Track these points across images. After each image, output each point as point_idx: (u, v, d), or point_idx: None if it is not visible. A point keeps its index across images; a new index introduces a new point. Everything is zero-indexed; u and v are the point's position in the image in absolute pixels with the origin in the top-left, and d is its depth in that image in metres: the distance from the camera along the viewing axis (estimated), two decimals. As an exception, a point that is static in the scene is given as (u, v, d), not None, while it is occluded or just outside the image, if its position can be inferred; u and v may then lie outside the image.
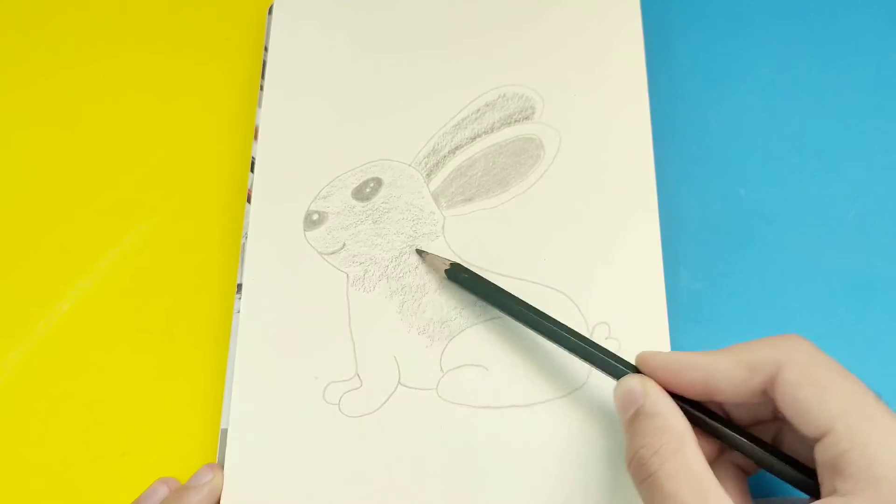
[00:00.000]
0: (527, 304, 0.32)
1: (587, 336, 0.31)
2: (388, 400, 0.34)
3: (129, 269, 0.40)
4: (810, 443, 0.25)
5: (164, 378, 0.37)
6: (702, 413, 0.28)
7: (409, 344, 0.35)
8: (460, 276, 0.34)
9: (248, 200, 0.38)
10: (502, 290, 0.33)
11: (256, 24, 0.44)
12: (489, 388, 0.33)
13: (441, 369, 0.34)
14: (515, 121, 0.38)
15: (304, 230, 0.37)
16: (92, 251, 0.40)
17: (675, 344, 0.33)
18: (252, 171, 0.39)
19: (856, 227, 0.37)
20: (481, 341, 0.34)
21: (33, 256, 0.41)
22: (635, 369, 0.29)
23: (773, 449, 0.27)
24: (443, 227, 0.36)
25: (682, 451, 0.25)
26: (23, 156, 0.43)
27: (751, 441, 0.27)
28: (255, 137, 0.40)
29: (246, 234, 0.38)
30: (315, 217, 0.37)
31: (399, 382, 0.34)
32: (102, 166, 0.42)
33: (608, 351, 0.30)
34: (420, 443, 0.33)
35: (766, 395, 0.26)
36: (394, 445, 0.33)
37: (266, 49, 0.42)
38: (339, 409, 0.34)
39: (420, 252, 0.36)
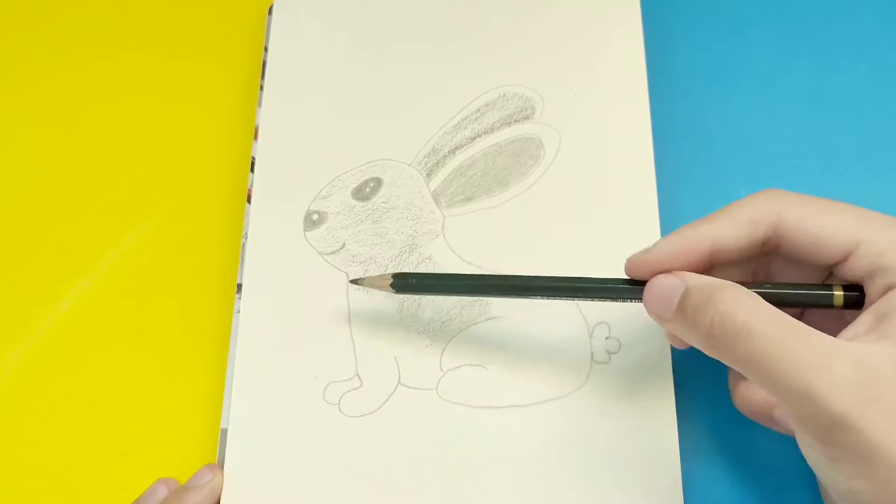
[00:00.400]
0: (495, 276, 0.31)
1: (579, 276, 0.30)
2: (388, 400, 0.34)
3: (129, 269, 0.40)
4: (822, 274, 0.27)
5: (164, 378, 0.37)
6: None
7: (409, 344, 0.35)
8: (408, 284, 0.32)
9: (248, 200, 0.38)
10: (462, 275, 0.32)
11: (256, 24, 0.44)
12: (489, 388, 0.33)
13: (441, 369, 0.34)
14: (515, 121, 0.38)
15: (304, 230, 0.37)
16: (92, 251, 0.40)
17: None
18: (252, 171, 0.39)
19: (856, 227, 0.37)
20: (481, 341, 0.34)
21: (33, 256, 0.41)
22: (634, 282, 0.29)
23: (804, 284, 0.27)
24: (443, 227, 0.36)
25: (754, 295, 0.25)
26: (23, 156, 0.43)
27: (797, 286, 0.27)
28: (255, 137, 0.40)
29: (246, 234, 0.38)
30: (315, 217, 0.37)
31: (399, 382, 0.34)
32: (102, 166, 0.42)
33: (605, 279, 0.29)
34: (420, 443, 0.33)
35: (766, 246, 0.27)
36: (394, 445, 0.33)
37: (266, 49, 0.42)
38: (339, 409, 0.34)
39: (354, 281, 0.34)
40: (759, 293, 0.26)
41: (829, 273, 0.28)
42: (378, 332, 0.35)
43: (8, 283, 0.40)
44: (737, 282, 0.27)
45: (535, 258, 0.35)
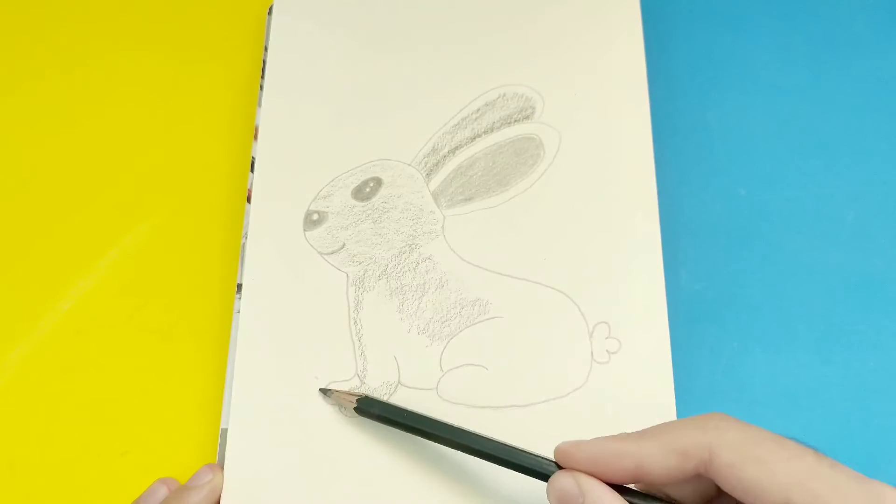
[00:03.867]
0: (443, 423, 0.30)
1: (505, 442, 0.29)
2: (387, 400, 0.34)
3: (129, 269, 0.40)
4: None
5: (164, 378, 0.37)
6: (645, 498, 0.26)
7: (409, 344, 0.35)
8: (371, 410, 0.32)
9: (248, 200, 0.38)
10: (417, 414, 0.31)
11: (256, 24, 0.44)
12: (489, 388, 0.33)
13: (441, 369, 0.34)
14: (515, 120, 0.38)
15: (304, 230, 0.37)
16: (92, 251, 0.40)
17: (676, 343, 0.33)
18: (252, 171, 0.39)
19: (856, 227, 0.37)
20: (481, 341, 0.34)
21: (33, 256, 0.41)
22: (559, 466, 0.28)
23: None
24: (443, 227, 0.36)
25: None
26: (23, 156, 0.43)
27: None
28: (255, 137, 0.40)
29: (246, 234, 0.38)
30: (315, 217, 0.37)
31: (399, 382, 0.34)
32: (102, 166, 0.42)
33: (530, 453, 0.28)
34: (420, 442, 0.33)
35: (703, 477, 0.26)
36: (394, 445, 0.33)
37: (266, 49, 0.42)
38: (339, 409, 0.34)
39: (324, 391, 0.34)
40: None
41: None
42: (378, 332, 0.35)
43: (8, 283, 0.40)
44: (668, 496, 0.26)
45: (536, 258, 0.35)
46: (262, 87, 0.40)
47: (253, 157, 0.39)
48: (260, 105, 0.40)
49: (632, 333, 0.33)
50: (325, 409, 0.34)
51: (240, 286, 0.37)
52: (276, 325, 0.36)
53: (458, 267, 0.36)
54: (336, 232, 0.37)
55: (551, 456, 0.28)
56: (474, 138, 0.38)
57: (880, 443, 0.33)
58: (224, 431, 0.34)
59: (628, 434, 0.26)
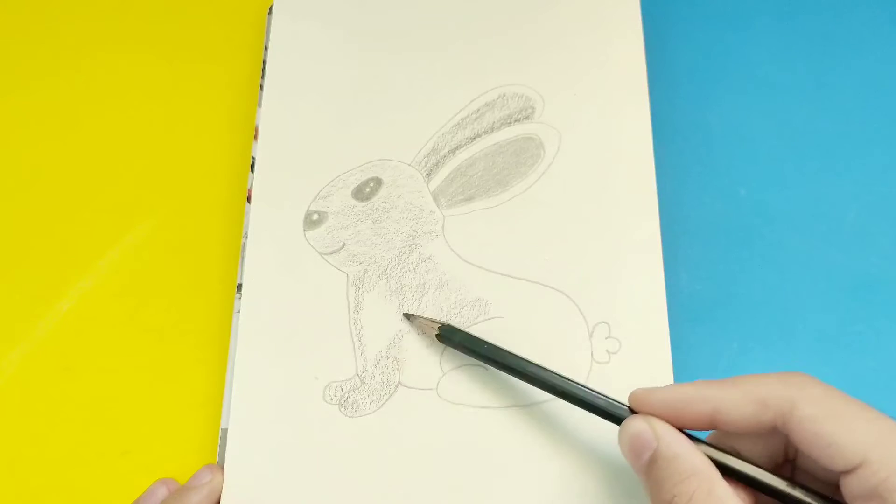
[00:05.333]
0: (518, 356, 0.31)
1: (581, 382, 0.30)
2: (388, 400, 0.34)
3: (129, 269, 0.40)
4: (832, 478, 0.25)
5: (165, 378, 0.37)
6: (717, 451, 0.26)
7: (409, 344, 0.35)
8: (453, 338, 0.33)
9: (248, 200, 0.38)
10: (495, 346, 0.32)
11: (256, 24, 0.44)
12: (489, 388, 0.33)
13: (441, 369, 0.34)
14: (515, 120, 0.38)
15: (304, 230, 0.37)
16: (92, 251, 0.40)
17: (676, 343, 0.33)
18: (252, 171, 0.39)
19: (856, 227, 0.37)
20: (481, 341, 0.34)
21: (33, 256, 0.41)
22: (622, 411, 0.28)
23: (798, 483, 0.26)
24: (443, 227, 0.36)
25: (714, 491, 0.25)
26: (23, 156, 0.43)
27: (774, 476, 0.26)
28: (255, 137, 0.40)
29: (246, 234, 0.38)
30: (315, 217, 0.37)
31: (399, 382, 0.34)
32: (102, 166, 0.42)
33: (605, 396, 0.29)
34: (420, 443, 0.33)
35: (775, 432, 0.26)
36: (394, 445, 0.33)
37: (266, 49, 0.42)
38: (339, 409, 0.34)
39: (408, 316, 0.35)
40: (741, 473, 0.26)
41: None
42: (378, 332, 0.35)
43: (8, 283, 0.40)
44: (736, 451, 0.26)
45: (536, 258, 0.35)
46: (262, 87, 0.40)
47: (253, 157, 0.39)
48: (260, 105, 0.40)
49: (632, 333, 0.33)
50: (326, 408, 0.34)
51: (240, 286, 0.37)
52: (276, 325, 0.36)
53: (457, 267, 0.36)
54: (336, 232, 0.37)
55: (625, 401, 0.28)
56: (474, 138, 0.38)
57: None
58: (224, 431, 0.34)
59: (707, 381, 0.27)
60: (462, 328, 0.33)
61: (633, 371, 0.33)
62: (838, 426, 0.24)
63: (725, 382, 0.26)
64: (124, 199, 0.41)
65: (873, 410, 0.25)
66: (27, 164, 0.43)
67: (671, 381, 0.32)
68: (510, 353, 0.31)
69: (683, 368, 0.33)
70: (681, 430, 0.27)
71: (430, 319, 0.34)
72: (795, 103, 0.39)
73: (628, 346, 0.33)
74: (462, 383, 0.34)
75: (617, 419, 0.28)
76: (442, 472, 0.32)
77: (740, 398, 0.26)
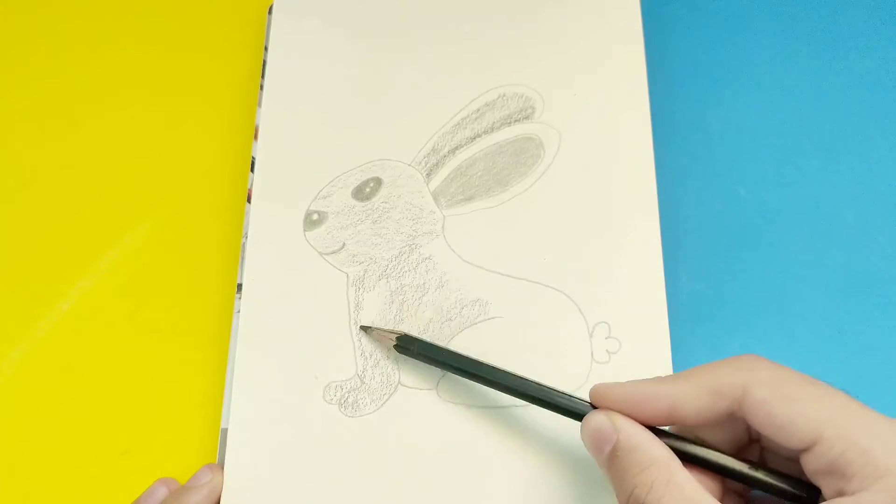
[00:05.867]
0: (478, 361, 0.31)
1: (541, 382, 0.30)
2: (388, 400, 0.34)
3: (129, 269, 0.40)
4: (793, 455, 0.25)
5: (165, 378, 0.37)
6: (679, 440, 0.27)
7: (409, 344, 0.35)
8: (410, 348, 0.33)
9: (248, 200, 0.38)
10: (455, 353, 0.32)
11: (256, 24, 0.44)
12: (489, 387, 0.33)
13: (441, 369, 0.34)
14: (515, 120, 0.38)
15: (304, 230, 0.37)
16: (92, 251, 0.40)
17: (676, 343, 0.33)
18: (252, 171, 0.39)
19: (856, 227, 0.37)
20: (481, 341, 0.34)
21: (33, 256, 0.41)
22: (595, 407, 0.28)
23: (760, 465, 0.26)
24: (443, 227, 0.36)
25: (673, 479, 0.25)
26: (23, 156, 0.43)
27: (736, 460, 0.26)
28: (255, 137, 0.40)
29: (246, 234, 0.38)
30: (315, 217, 0.37)
31: (399, 382, 0.34)
32: (102, 166, 0.42)
33: (566, 394, 0.29)
34: (420, 443, 0.33)
35: (735, 417, 0.26)
36: (394, 445, 0.33)
37: (266, 49, 0.42)
38: (339, 409, 0.34)
39: (365, 328, 0.35)
40: (704, 460, 0.26)
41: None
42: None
43: (8, 283, 0.40)
44: (700, 439, 0.27)
45: (536, 258, 0.35)
46: (262, 87, 0.40)
47: (253, 157, 0.39)
48: (260, 105, 0.40)
49: (632, 333, 0.33)
50: (325, 408, 0.34)
51: (240, 286, 0.37)
52: (276, 325, 0.36)
53: (458, 267, 0.36)
54: (336, 232, 0.37)
55: (586, 398, 0.28)
56: (474, 138, 0.38)
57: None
58: (224, 431, 0.34)
59: (662, 377, 0.27)
60: (419, 336, 0.33)
61: (633, 371, 0.33)
62: (790, 407, 0.25)
63: (679, 376, 0.27)
64: (124, 199, 0.41)
65: (825, 386, 0.25)
66: (27, 164, 0.43)
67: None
68: (470, 359, 0.31)
69: (683, 368, 0.33)
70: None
71: (386, 331, 0.34)
72: (795, 103, 0.39)
73: (628, 346, 0.33)
74: (462, 383, 0.34)
75: (578, 416, 0.28)
76: (442, 472, 0.32)
77: (694, 391, 0.26)
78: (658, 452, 0.26)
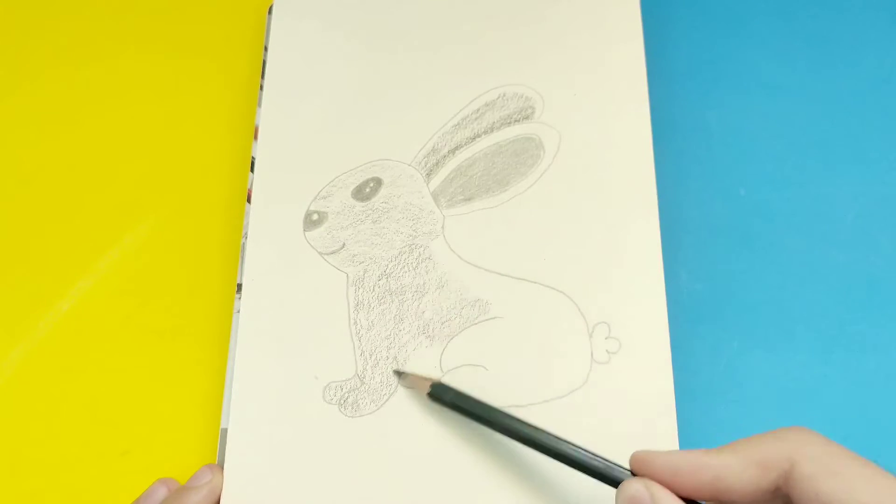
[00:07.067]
0: (514, 417, 0.30)
1: (578, 444, 0.29)
2: (387, 400, 0.34)
3: (129, 269, 0.40)
4: None
5: (165, 378, 0.37)
6: None
7: (408, 344, 0.35)
8: (444, 397, 0.32)
9: (248, 200, 0.38)
10: (489, 406, 0.31)
11: (256, 24, 0.44)
12: (489, 388, 0.33)
13: (441, 370, 0.34)
14: (515, 121, 0.38)
15: (304, 230, 0.37)
16: (92, 251, 0.40)
17: (676, 343, 0.33)
18: (252, 171, 0.39)
19: (856, 227, 0.37)
20: (481, 341, 0.34)
21: (33, 256, 0.41)
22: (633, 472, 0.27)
23: None
24: (442, 227, 0.36)
25: None
26: (23, 156, 0.43)
27: None
28: (255, 137, 0.40)
29: (246, 234, 0.38)
30: (315, 217, 0.37)
31: (399, 382, 0.34)
32: (102, 166, 0.42)
33: (603, 458, 0.28)
34: (419, 443, 0.33)
35: (779, 493, 0.25)
36: (394, 445, 0.33)
37: (266, 49, 0.42)
38: (339, 409, 0.34)
39: (398, 373, 0.34)
40: None
41: None
42: (378, 332, 0.35)
43: (8, 283, 0.40)
44: None
45: (536, 258, 0.35)
46: (262, 87, 0.40)
47: (253, 157, 0.39)
48: (260, 105, 0.40)
49: (632, 333, 0.33)
50: (325, 409, 0.34)
51: (240, 286, 0.37)
52: (276, 325, 0.36)
53: (457, 267, 0.36)
54: (336, 232, 0.37)
55: (625, 463, 0.27)
56: (474, 138, 0.38)
57: (880, 443, 0.33)
58: (224, 431, 0.34)
59: (706, 449, 0.26)
60: (453, 386, 0.32)
61: (633, 371, 0.33)
62: (838, 484, 0.24)
63: (725, 450, 0.26)
64: (124, 199, 0.41)
65: (874, 467, 0.24)
66: (27, 164, 0.43)
67: (671, 381, 0.32)
68: (504, 413, 0.30)
69: (683, 368, 0.33)
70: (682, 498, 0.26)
71: (421, 377, 0.33)
72: (795, 103, 0.39)
73: (628, 346, 0.33)
74: (462, 384, 0.34)
75: (613, 482, 0.27)
76: (441, 473, 0.32)
77: (740, 463, 0.25)
78: None
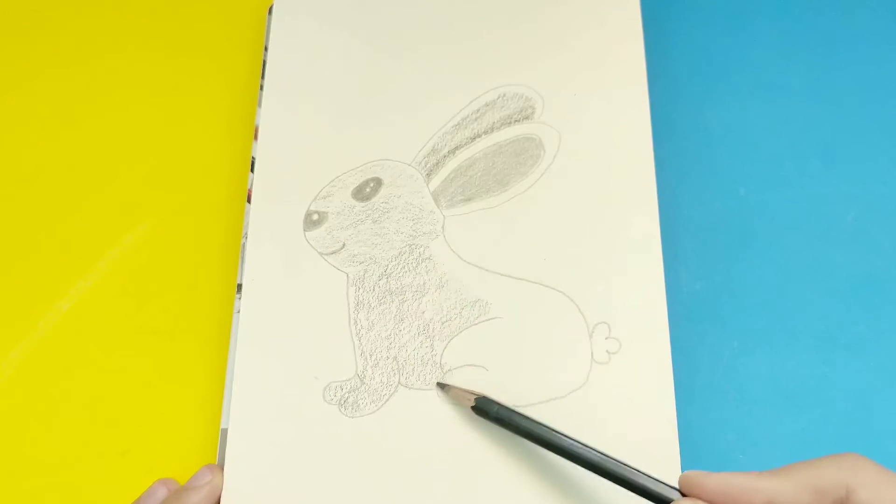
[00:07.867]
0: (559, 433, 0.30)
1: (624, 461, 0.28)
2: (388, 400, 0.34)
3: (129, 269, 0.40)
4: None
5: (164, 378, 0.37)
6: None
7: (409, 344, 0.35)
8: (489, 411, 0.32)
9: (248, 200, 0.38)
10: (535, 421, 0.31)
11: (256, 24, 0.44)
12: (489, 388, 0.33)
13: (441, 370, 0.34)
14: (515, 121, 0.38)
15: (304, 230, 0.37)
16: (92, 251, 0.40)
17: (676, 343, 0.33)
18: (252, 171, 0.39)
19: (856, 227, 0.37)
20: (481, 341, 0.34)
21: (33, 256, 0.41)
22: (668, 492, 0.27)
23: None
24: (443, 227, 0.36)
25: None
26: (23, 155, 0.43)
27: None
28: (255, 137, 0.40)
29: (246, 234, 0.38)
30: (315, 217, 0.37)
31: (399, 382, 0.34)
32: (102, 166, 0.42)
33: (650, 476, 0.28)
34: (420, 443, 0.33)
35: None
36: (394, 445, 0.33)
37: (266, 49, 0.42)
38: (339, 409, 0.34)
39: (442, 386, 0.34)
40: None
41: None
42: (378, 332, 0.35)
43: (8, 283, 0.40)
44: None
45: (536, 258, 0.35)
46: (262, 87, 0.40)
47: (253, 157, 0.39)
48: (260, 105, 0.40)
49: (632, 333, 0.33)
50: (325, 408, 0.34)
51: (240, 286, 0.37)
52: (276, 325, 0.36)
53: (458, 267, 0.36)
54: (336, 232, 0.37)
55: (674, 483, 0.27)
56: (474, 138, 0.38)
57: (880, 443, 0.33)
58: (224, 431, 0.34)
59: (759, 472, 0.26)
60: (498, 401, 0.32)
61: (633, 371, 0.33)
62: None
63: (779, 473, 0.25)
64: (124, 199, 0.41)
65: None
66: (27, 164, 0.43)
67: (671, 381, 0.32)
68: (549, 429, 0.30)
69: (683, 368, 0.33)
70: None
71: (465, 391, 0.33)
72: (795, 103, 0.39)
73: (628, 346, 0.33)
74: (462, 384, 0.34)
75: (662, 501, 0.27)
76: (441, 473, 0.32)
77: (794, 488, 0.25)
78: None
